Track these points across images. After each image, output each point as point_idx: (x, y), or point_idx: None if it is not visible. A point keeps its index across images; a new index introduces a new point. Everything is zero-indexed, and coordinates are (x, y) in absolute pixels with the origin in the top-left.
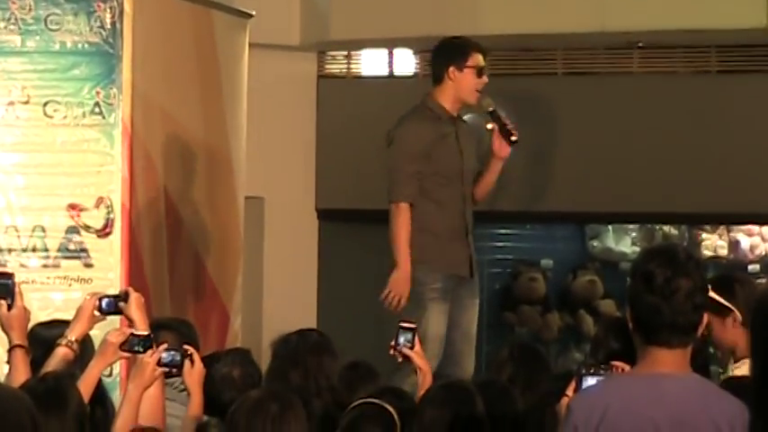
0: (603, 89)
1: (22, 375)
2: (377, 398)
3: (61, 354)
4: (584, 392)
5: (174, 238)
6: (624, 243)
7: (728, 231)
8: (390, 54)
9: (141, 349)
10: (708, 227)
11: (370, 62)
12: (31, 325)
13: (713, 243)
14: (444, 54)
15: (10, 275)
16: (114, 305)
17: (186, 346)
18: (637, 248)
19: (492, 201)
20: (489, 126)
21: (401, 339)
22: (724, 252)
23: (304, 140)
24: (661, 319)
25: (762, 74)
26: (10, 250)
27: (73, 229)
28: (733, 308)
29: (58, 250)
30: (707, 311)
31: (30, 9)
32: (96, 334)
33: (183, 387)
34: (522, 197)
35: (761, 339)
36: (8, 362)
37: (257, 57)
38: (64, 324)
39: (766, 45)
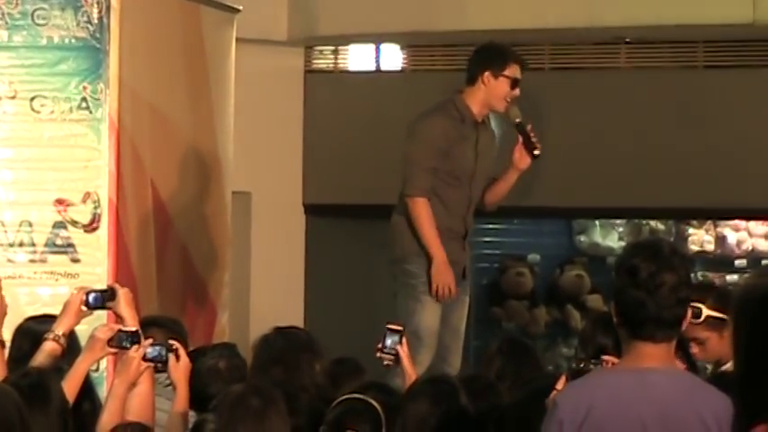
0: (591, 84)
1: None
2: (362, 393)
3: (48, 348)
4: (569, 387)
5: (162, 233)
6: (611, 238)
7: (715, 226)
8: (377, 49)
9: (129, 345)
10: (695, 222)
11: (358, 57)
12: (21, 320)
13: (700, 238)
14: (483, 57)
15: None
16: (101, 300)
17: (171, 341)
18: (624, 243)
19: None
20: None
21: (388, 342)
22: (711, 247)
23: (291, 135)
24: (646, 314)
25: (748, 69)
26: None
27: (60, 224)
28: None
29: (46, 245)
30: (707, 328)
31: (16, 4)
32: (83, 329)
33: (168, 382)
34: (510, 192)
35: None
36: None
37: (244, 52)
38: (54, 319)
39: (753, 40)
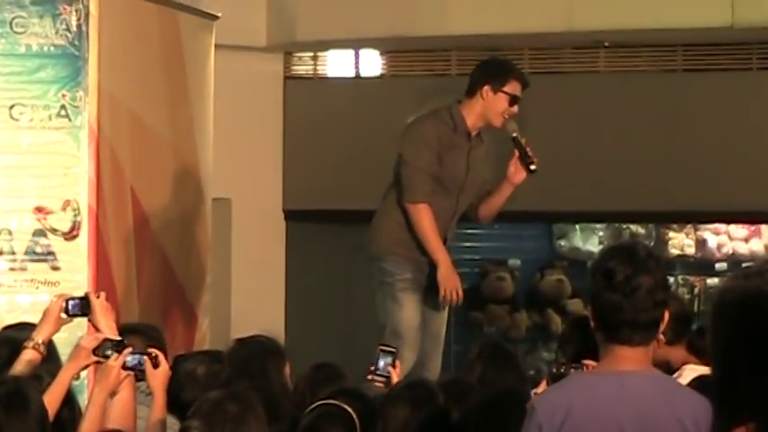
0: (570, 88)
1: None
2: (336, 398)
3: (27, 357)
4: (548, 391)
5: (142, 240)
6: (591, 242)
7: (696, 230)
8: (357, 55)
9: (113, 354)
10: (675, 225)
11: (337, 63)
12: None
13: (680, 242)
14: (485, 71)
15: None
16: (80, 307)
17: (151, 349)
18: None
19: None
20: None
21: (381, 363)
22: (691, 251)
23: (271, 141)
24: (622, 317)
25: (728, 72)
26: None
27: (40, 232)
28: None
29: (25, 253)
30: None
31: None
32: (63, 336)
33: (150, 390)
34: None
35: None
36: None
37: (224, 58)
38: (32, 326)
39: (732, 44)
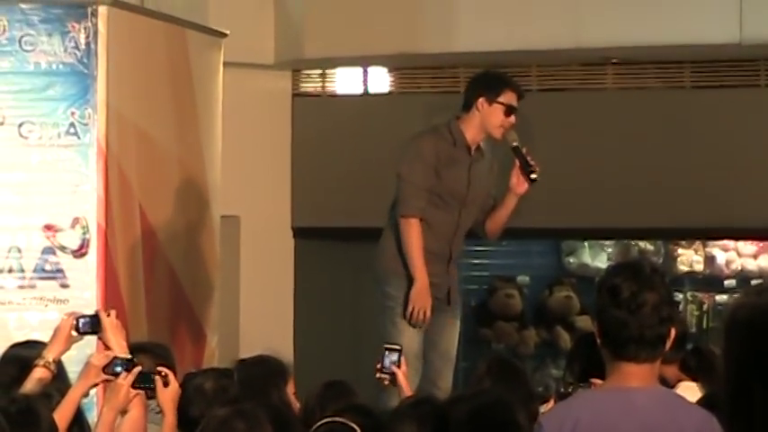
0: (578, 105)
1: None
2: (342, 415)
3: (38, 375)
4: (554, 408)
5: (150, 258)
6: (600, 259)
7: (704, 246)
8: (365, 72)
9: (123, 372)
10: (684, 242)
11: (345, 80)
12: (7, 345)
13: (689, 258)
14: (479, 84)
15: None
16: (91, 325)
17: (160, 367)
18: None
19: None
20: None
21: (386, 362)
22: (700, 267)
23: (279, 159)
24: (628, 333)
25: (735, 89)
26: None
27: (49, 250)
28: None
29: (34, 271)
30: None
31: (4, 30)
32: (72, 354)
33: (159, 409)
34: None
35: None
36: None
37: (232, 75)
38: (40, 344)
39: (739, 60)
